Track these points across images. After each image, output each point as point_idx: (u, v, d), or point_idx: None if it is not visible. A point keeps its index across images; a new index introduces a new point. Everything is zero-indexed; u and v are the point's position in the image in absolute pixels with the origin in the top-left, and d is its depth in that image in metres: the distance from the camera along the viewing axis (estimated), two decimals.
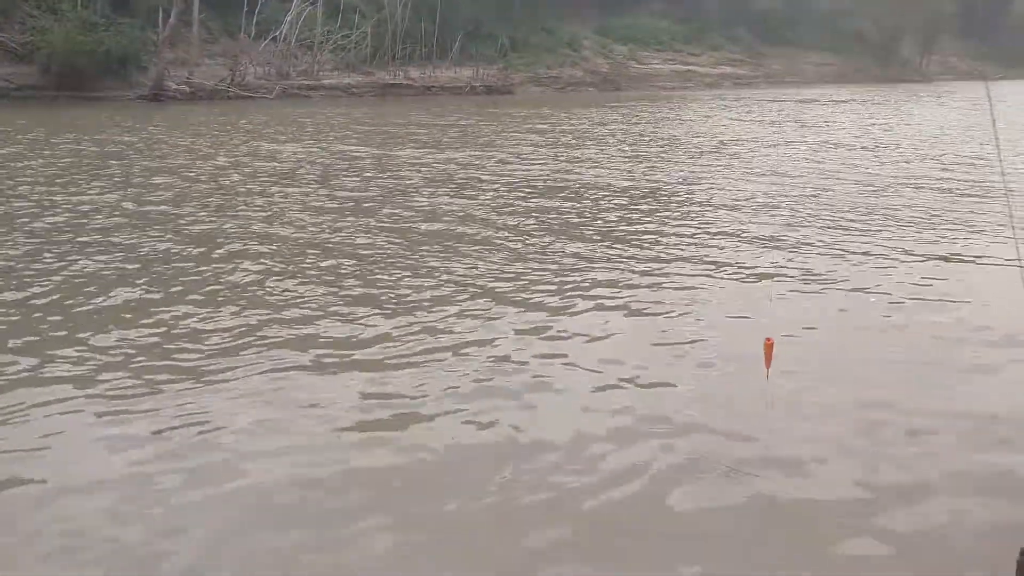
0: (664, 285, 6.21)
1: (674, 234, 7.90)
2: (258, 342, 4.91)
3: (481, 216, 8.57)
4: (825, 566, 3.01)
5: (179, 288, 5.97)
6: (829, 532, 3.18)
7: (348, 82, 28.12)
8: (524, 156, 13.34)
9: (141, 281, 6.09)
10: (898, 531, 3.19)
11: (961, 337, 5.22)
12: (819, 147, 15.16)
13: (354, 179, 10.86)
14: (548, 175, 11.38)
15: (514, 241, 7.48)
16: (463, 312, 5.51)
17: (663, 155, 13.78)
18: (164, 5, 23.97)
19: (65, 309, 5.50)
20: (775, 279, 6.40)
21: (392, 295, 5.87)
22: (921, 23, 52.13)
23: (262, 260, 6.72)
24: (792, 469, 3.61)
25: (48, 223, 7.97)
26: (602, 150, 14.35)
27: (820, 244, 7.48)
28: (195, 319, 5.30)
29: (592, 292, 5.98)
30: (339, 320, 5.32)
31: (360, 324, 5.26)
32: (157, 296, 5.77)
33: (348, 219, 8.31)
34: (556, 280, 6.28)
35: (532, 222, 8.29)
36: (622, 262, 6.83)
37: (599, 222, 8.41)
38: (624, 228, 8.14)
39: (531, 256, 6.99)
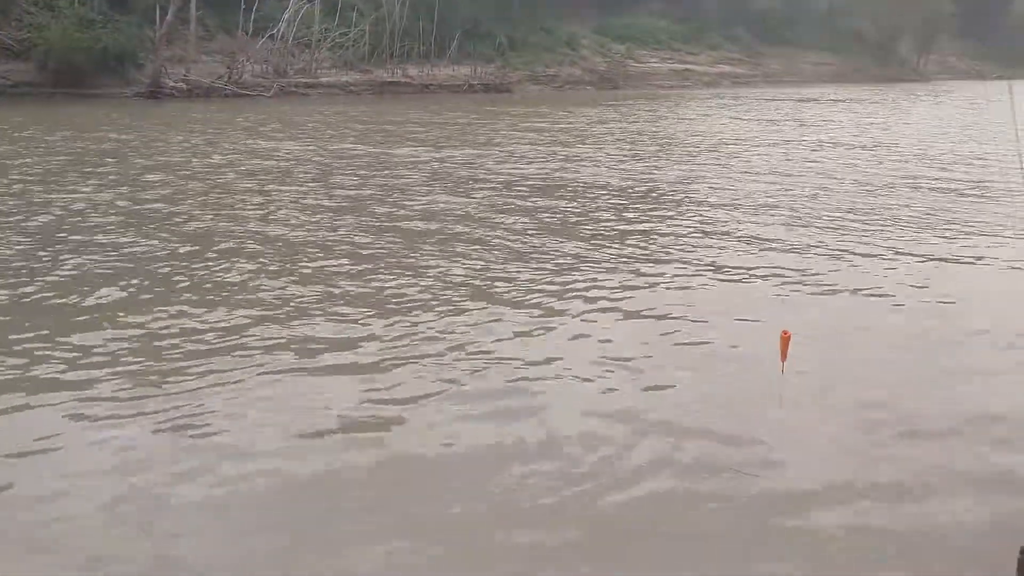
0: (663, 285, 6.19)
1: (672, 234, 7.88)
2: (255, 342, 4.88)
3: (479, 215, 8.54)
4: (825, 566, 3.00)
5: (175, 287, 5.94)
6: (829, 532, 3.17)
7: (346, 80, 28.05)
8: (522, 155, 13.32)
9: (136, 280, 6.06)
10: (898, 531, 3.19)
11: (961, 338, 5.22)
12: (818, 146, 15.16)
13: (351, 177, 10.83)
14: (546, 174, 11.36)
15: (512, 241, 7.45)
16: (461, 313, 5.48)
17: (662, 154, 13.76)
18: (161, 2, 23.89)
19: (57, 308, 5.47)
20: (776, 280, 6.37)
21: (390, 295, 5.84)
22: (920, 23, 52.15)
23: (258, 259, 6.69)
24: (792, 469, 3.60)
25: (42, 221, 7.93)
26: (600, 148, 14.33)
27: (820, 244, 7.46)
28: (191, 319, 5.27)
29: (591, 293, 5.95)
30: (337, 320, 5.30)
31: (358, 324, 5.23)
32: (153, 295, 5.74)
33: (345, 218, 8.28)
34: (555, 280, 6.25)
35: (531, 221, 8.27)
36: (621, 262, 6.81)
37: (597, 221, 8.39)
38: (623, 228, 8.12)
39: (529, 256, 6.96)
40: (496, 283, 6.16)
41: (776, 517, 3.26)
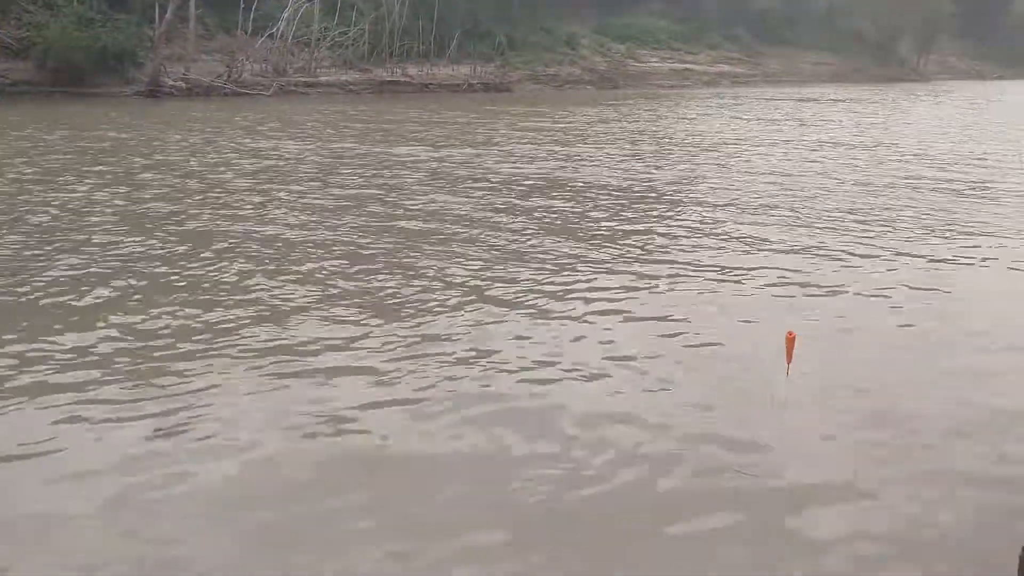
0: (663, 286, 6.18)
1: (673, 234, 7.87)
2: (254, 342, 4.87)
3: (479, 215, 8.53)
4: (826, 566, 2.99)
5: (173, 287, 5.93)
6: (830, 532, 3.17)
7: (345, 79, 28.03)
8: (522, 154, 13.31)
9: (134, 279, 6.04)
10: (898, 531, 3.18)
11: (962, 338, 5.21)
12: (818, 146, 15.15)
13: (351, 177, 10.82)
14: (546, 173, 11.35)
15: (512, 240, 7.44)
16: (461, 313, 5.47)
17: (662, 153, 13.75)
18: (161, 1, 23.88)
19: (55, 307, 5.46)
20: (776, 281, 6.37)
21: (390, 295, 5.83)
22: (920, 23, 52.17)
23: (257, 259, 6.68)
24: (792, 469, 3.59)
25: (40, 221, 7.91)
26: (600, 148, 14.32)
27: (821, 245, 7.45)
28: (190, 318, 5.26)
29: (591, 293, 5.94)
30: (336, 320, 5.29)
31: (358, 324, 5.22)
32: (151, 295, 5.73)
33: (344, 217, 8.26)
34: (555, 280, 6.24)
35: (531, 221, 8.26)
36: (621, 262, 6.80)
37: (597, 221, 8.37)
38: (623, 227, 8.11)
39: (529, 256, 6.95)
40: (496, 283, 6.14)
41: (776, 517, 3.25)
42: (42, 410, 3.99)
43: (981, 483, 3.53)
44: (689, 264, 6.76)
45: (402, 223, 8.05)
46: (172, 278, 6.13)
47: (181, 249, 6.93)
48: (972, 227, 8.28)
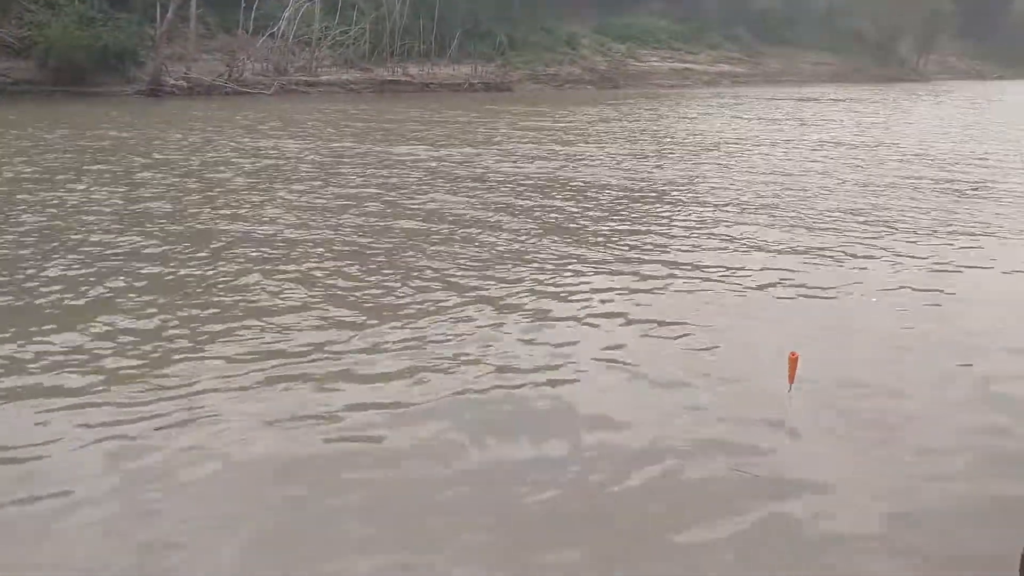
0: (664, 286, 6.17)
1: (673, 234, 7.86)
2: (253, 342, 4.86)
3: (479, 214, 8.52)
4: (826, 566, 2.99)
5: (172, 286, 5.92)
6: (830, 532, 3.17)
7: (346, 78, 28.03)
8: (522, 153, 13.30)
9: (132, 279, 6.03)
10: (899, 531, 3.18)
11: (962, 339, 5.20)
12: (818, 146, 15.14)
13: (351, 176, 10.81)
14: (547, 173, 11.34)
15: (512, 240, 7.43)
16: (462, 314, 5.46)
17: (662, 153, 13.74)
18: (162, 0, 23.89)
19: (53, 307, 5.45)
20: (777, 281, 6.36)
21: (390, 295, 5.82)
22: (920, 23, 52.16)
23: (256, 258, 6.67)
24: (792, 470, 3.59)
25: (39, 220, 7.90)
26: (601, 147, 14.31)
27: (821, 245, 7.45)
28: (188, 318, 5.25)
29: (592, 294, 5.93)
30: (336, 321, 5.28)
31: (357, 324, 5.21)
32: (150, 294, 5.72)
33: (345, 217, 8.26)
34: (555, 281, 6.23)
35: (531, 221, 8.25)
36: (621, 262, 6.79)
37: (598, 221, 8.36)
38: (624, 227, 8.10)
39: (529, 256, 6.94)
40: (496, 284, 6.13)
41: (777, 518, 3.25)
42: (40, 411, 3.98)
43: (981, 483, 3.53)
44: (690, 264, 6.75)
45: (402, 223, 8.04)
46: (172, 277, 6.12)
47: (181, 248, 6.92)
48: (973, 227, 8.27)
